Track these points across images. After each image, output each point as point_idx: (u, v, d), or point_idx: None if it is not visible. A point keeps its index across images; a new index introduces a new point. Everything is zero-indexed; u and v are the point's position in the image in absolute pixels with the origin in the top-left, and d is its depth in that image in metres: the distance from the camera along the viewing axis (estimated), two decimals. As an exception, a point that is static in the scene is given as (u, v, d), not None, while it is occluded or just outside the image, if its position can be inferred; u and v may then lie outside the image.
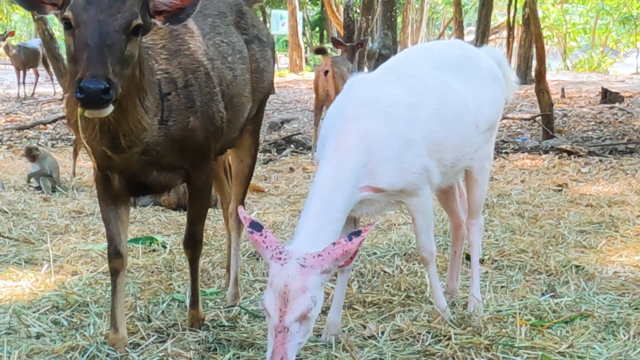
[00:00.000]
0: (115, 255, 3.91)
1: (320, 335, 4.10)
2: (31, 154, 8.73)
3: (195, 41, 3.95)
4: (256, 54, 4.57)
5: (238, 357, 3.88)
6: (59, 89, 18.48)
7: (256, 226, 3.45)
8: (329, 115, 4.06)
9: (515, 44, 25.97)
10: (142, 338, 4.09)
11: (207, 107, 3.90)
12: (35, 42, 19.98)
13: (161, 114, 3.69)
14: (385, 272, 5.25)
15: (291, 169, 10.24)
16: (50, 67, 18.31)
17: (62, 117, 15.22)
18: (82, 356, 3.87)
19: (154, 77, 3.68)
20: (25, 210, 7.38)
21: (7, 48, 19.76)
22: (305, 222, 3.59)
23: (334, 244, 3.41)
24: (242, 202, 4.87)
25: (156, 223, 6.92)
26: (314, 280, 3.33)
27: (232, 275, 4.74)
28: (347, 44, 12.49)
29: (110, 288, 4.03)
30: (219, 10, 4.40)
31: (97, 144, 3.60)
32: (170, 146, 3.75)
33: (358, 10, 23.03)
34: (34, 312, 4.44)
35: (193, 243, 4.21)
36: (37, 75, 21.68)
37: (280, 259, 3.35)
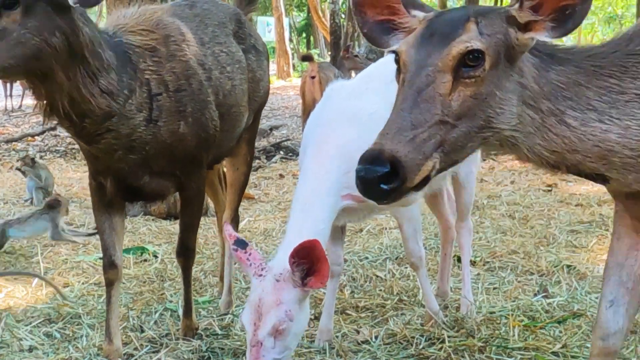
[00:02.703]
0: (109, 266, 3.91)
1: (314, 341, 4.10)
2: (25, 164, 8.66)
3: (191, 49, 3.96)
4: (253, 63, 4.58)
5: (232, 365, 3.88)
6: (47, 101, 18.37)
7: (241, 244, 3.42)
8: (309, 123, 4.03)
9: (502, 46, 26.07)
10: (136, 349, 4.08)
11: (200, 114, 3.91)
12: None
13: (149, 112, 3.70)
14: (377, 276, 5.25)
15: (281, 176, 10.24)
16: (37, 79, 18.20)
17: (51, 129, 15.20)
18: (76, 368, 3.86)
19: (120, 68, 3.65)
20: (15, 223, 7.35)
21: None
22: (288, 236, 3.55)
23: None
24: (236, 210, 4.86)
25: (147, 233, 6.91)
26: (288, 295, 3.26)
27: (226, 283, 4.74)
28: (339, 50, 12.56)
29: (102, 299, 4.03)
30: (220, 20, 4.41)
31: (65, 127, 3.66)
32: (161, 149, 3.76)
33: (344, 16, 23.08)
34: (26, 325, 4.42)
35: (185, 252, 4.20)
36: (24, 87, 21.62)
37: (260, 275, 3.32)
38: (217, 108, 4.07)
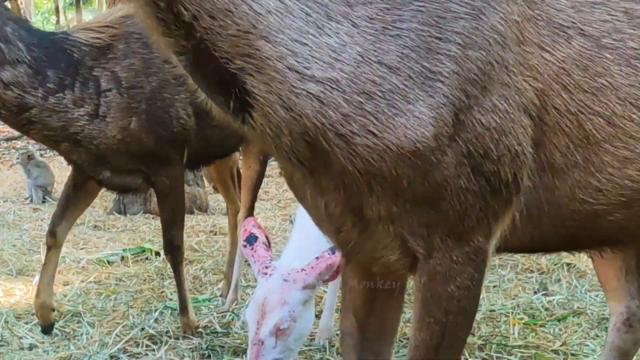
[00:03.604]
0: (50, 233, 4.16)
1: (314, 339, 4.10)
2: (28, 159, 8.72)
3: None
4: None
5: (232, 363, 3.88)
6: (46, 99, 18.37)
7: (251, 240, 3.40)
8: None
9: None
10: (136, 346, 4.07)
11: (161, 112, 3.95)
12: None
13: (95, 107, 3.79)
14: (377, 274, 5.24)
15: (281, 174, 10.22)
16: (37, 77, 18.18)
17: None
18: (76, 366, 3.87)
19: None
20: (15, 220, 7.35)
21: (-7, 59, 19.68)
22: (294, 236, 3.56)
23: (317, 257, 3.29)
24: (250, 209, 4.84)
25: (147, 231, 6.89)
26: (294, 295, 3.23)
27: (234, 281, 4.73)
28: None
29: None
30: None
31: None
32: (115, 146, 3.84)
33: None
34: (26, 323, 4.42)
35: (171, 248, 4.22)
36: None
37: (265, 273, 3.32)
38: (198, 104, 4.08)
